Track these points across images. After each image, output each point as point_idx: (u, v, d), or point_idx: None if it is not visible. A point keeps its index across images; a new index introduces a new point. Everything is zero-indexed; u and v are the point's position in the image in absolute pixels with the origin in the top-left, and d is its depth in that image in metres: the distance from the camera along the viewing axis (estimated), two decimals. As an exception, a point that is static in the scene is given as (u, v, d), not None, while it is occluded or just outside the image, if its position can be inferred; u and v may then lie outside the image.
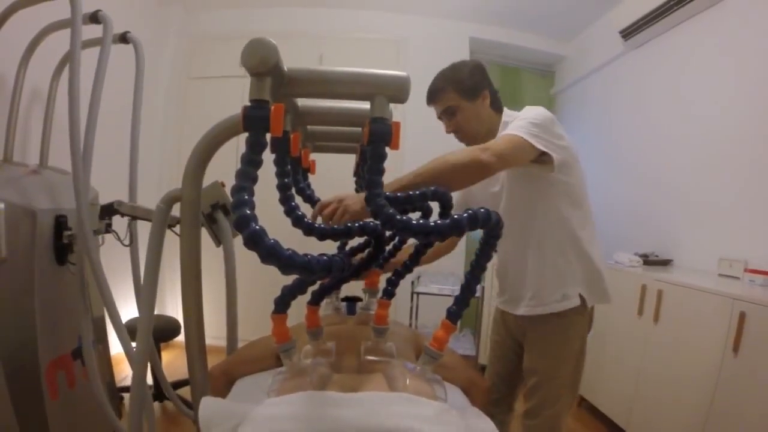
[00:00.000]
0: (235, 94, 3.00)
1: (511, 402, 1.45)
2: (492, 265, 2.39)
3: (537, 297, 1.20)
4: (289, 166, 0.80)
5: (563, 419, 1.24)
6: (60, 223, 1.49)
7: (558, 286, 1.18)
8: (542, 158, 1.08)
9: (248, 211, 0.53)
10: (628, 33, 2.72)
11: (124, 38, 1.72)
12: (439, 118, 1.31)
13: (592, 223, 1.24)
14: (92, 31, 1.53)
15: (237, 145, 2.47)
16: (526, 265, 1.22)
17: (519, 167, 1.13)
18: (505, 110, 1.29)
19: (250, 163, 0.58)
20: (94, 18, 1.52)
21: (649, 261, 2.33)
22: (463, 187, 1.19)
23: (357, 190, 1.11)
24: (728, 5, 2.14)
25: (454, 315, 0.77)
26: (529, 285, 1.21)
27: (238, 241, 1.33)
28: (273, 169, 0.78)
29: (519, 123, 1.08)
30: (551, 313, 1.18)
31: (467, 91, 1.22)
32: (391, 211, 0.65)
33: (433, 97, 1.28)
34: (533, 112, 1.12)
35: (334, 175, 2.02)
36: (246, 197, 0.55)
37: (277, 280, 0.79)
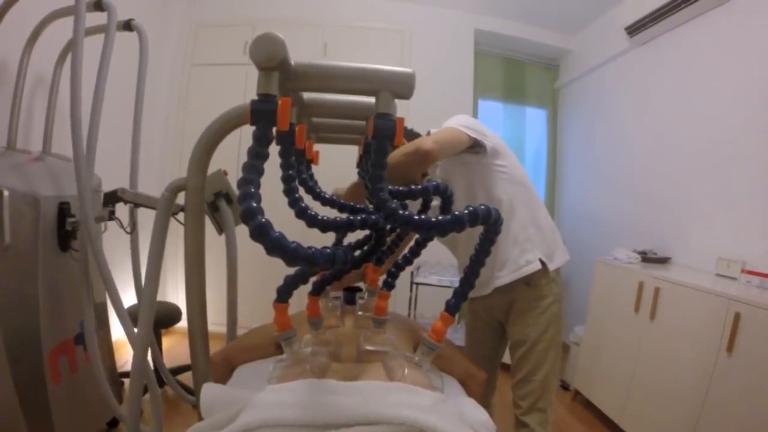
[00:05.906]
0: (238, 81, 3.01)
1: (494, 382, 1.56)
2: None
3: (504, 269, 1.32)
4: (293, 158, 0.80)
5: (554, 380, 1.35)
6: (63, 210, 1.50)
7: (520, 254, 1.31)
8: (474, 149, 1.24)
9: (255, 204, 0.53)
10: (633, 30, 2.71)
11: (128, 25, 1.72)
12: None
13: (536, 196, 1.41)
14: (96, 18, 1.53)
15: (240, 135, 2.46)
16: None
17: (455, 158, 1.27)
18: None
19: (257, 156, 0.59)
20: (98, 5, 1.52)
21: (647, 258, 2.34)
22: (418, 173, 1.24)
23: None
24: (734, 5, 2.13)
25: (452, 308, 0.78)
26: (496, 263, 1.32)
27: (239, 229, 1.34)
28: (278, 160, 0.79)
29: (450, 122, 1.22)
30: (521, 279, 1.30)
31: None
32: (394, 205, 0.66)
33: None
34: (460, 117, 1.26)
35: (337, 167, 2.03)
36: (252, 190, 0.55)
37: (278, 269, 0.80)
